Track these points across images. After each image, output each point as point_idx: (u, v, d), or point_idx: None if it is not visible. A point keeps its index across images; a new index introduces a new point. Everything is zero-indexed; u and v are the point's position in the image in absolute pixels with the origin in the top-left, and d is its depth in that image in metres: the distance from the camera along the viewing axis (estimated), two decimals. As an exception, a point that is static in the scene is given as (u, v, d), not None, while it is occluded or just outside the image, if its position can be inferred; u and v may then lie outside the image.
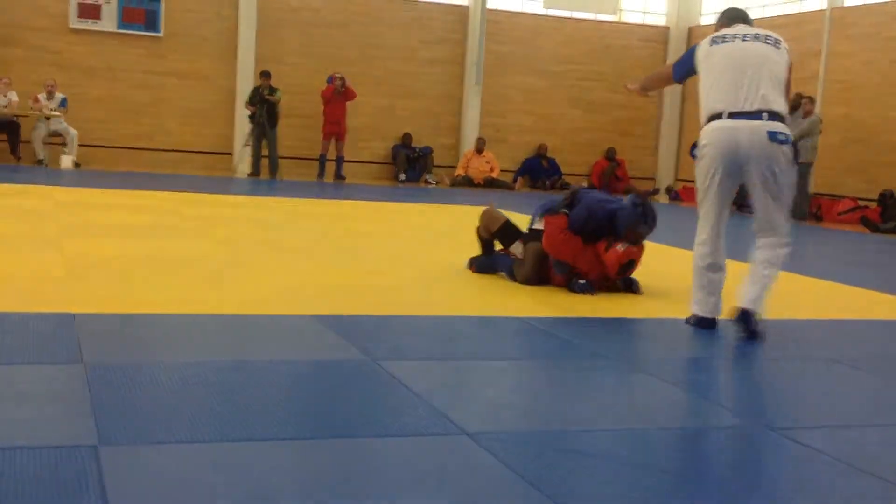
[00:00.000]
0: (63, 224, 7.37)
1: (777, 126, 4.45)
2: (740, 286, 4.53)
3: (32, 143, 15.12)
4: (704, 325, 4.71)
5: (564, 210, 5.79)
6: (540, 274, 5.82)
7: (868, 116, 15.00)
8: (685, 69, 4.85)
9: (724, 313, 4.66)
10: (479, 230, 6.27)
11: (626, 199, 5.76)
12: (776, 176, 4.48)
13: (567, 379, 3.78)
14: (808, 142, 13.93)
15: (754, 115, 4.44)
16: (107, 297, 4.66)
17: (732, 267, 4.88)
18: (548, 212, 5.91)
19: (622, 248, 5.58)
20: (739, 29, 4.70)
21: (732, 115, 4.47)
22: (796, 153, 4.58)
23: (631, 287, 5.74)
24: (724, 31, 4.73)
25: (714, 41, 4.68)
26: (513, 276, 5.93)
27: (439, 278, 5.99)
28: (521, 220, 6.26)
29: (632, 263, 5.67)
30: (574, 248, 5.64)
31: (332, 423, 2.94)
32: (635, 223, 5.61)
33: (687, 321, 4.75)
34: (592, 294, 5.57)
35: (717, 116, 4.53)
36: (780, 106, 4.51)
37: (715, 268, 4.70)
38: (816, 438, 3.05)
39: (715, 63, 4.61)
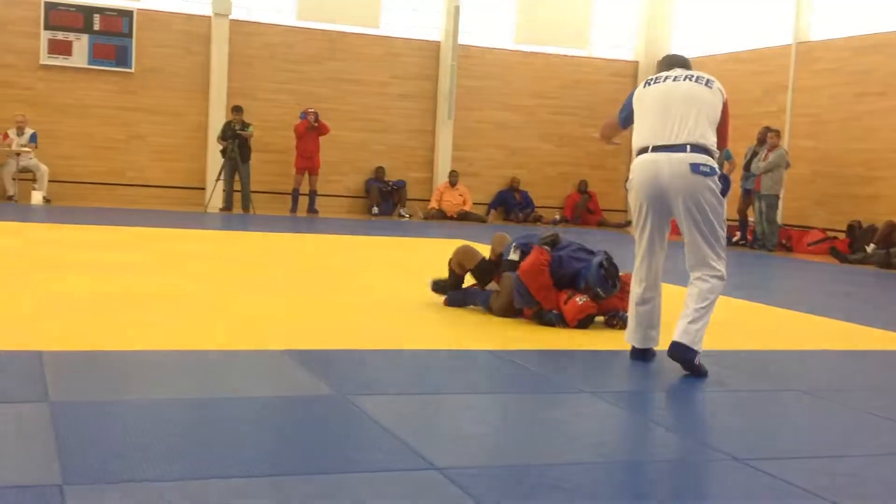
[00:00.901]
0: (32, 261, 7.31)
1: (700, 158, 4.45)
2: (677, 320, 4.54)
3: (2, 179, 15.03)
4: (634, 355, 4.77)
5: (547, 247, 5.81)
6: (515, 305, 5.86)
7: (835, 149, 15.23)
8: (626, 113, 4.87)
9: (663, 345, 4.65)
10: (451, 263, 6.29)
11: (595, 258, 5.79)
12: (701, 209, 4.46)
13: (537, 412, 3.78)
14: (776, 174, 14.12)
15: (678, 147, 4.46)
16: (75, 334, 4.62)
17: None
18: (525, 245, 5.95)
19: (581, 302, 5.63)
20: (674, 72, 4.73)
21: (656, 149, 4.51)
22: (726, 186, 4.54)
23: (612, 323, 5.76)
24: (659, 75, 4.77)
25: (647, 83, 4.75)
26: (488, 308, 5.95)
27: (411, 312, 5.99)
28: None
29: (590, 317, 5.71)
30: (544, 285, 5.67)
31: (301, 459, 2.92)
32: (595, 284, 5.65)
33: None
34: (564, 327, 5.59)
35: (644, 151, 4.58)
36: (708, 140, 4.51)
37: (643, 301, 4.73)
38: (784, 469, 3.07)
39: (645, 102, 4.68)
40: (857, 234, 13.80)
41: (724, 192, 4.54)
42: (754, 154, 14.81)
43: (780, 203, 14.68)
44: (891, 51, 14.39)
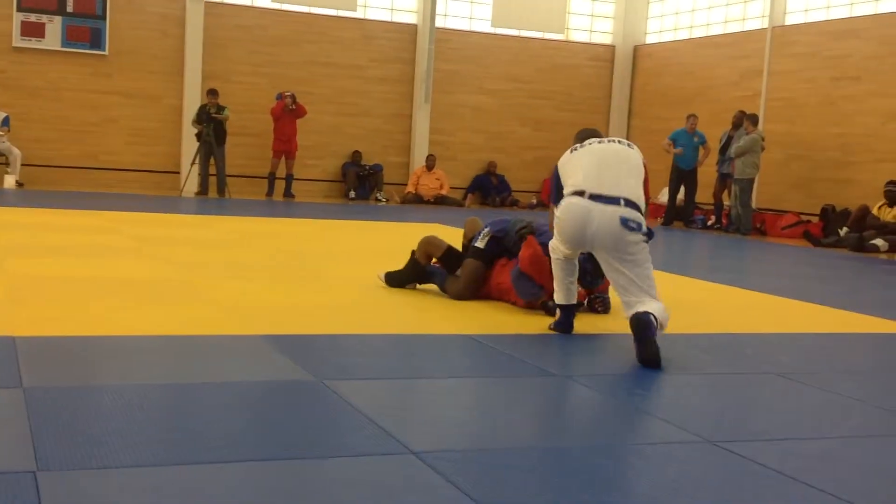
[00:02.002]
0: (4, 245, 7.24)
1: (631, 213, 4.54)
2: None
3: (-26, 163, 14.87)
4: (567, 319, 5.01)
5: (525, 231, 5.75)
6: (473, 291, 5.85)
7: (809, 133, 15.33)
8: (559, 188, 4.87)
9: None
10: (416, 253, 6.23)
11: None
12: (625, 261, 4.53)
13: (513, 396, 3.80)
14: (749, 158, 14.20)
15: (612, 199, 4.56)
16: (48, 319, 4.59)
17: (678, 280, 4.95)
18: (499, 232, 5.93)
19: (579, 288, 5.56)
20: (597, 139, 4.90)
21: (592, 196, 4.58)
22: (650, 237, 4.60)
23: (594, 307, 5.75)
24: (586, 142, 4.88)
25: (573, 149, 4.86)
26: (444, 290, 5.97)
27: (387, 297, 5.99)
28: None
29: (580, 304, 5.63)
30: (547, 272, 5.59)
31: (278, 444, 2.92)
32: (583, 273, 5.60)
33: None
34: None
35: (579, 194, 4.63)
36: (639, 198, 4.64)
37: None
38: (757, 451, 3.10)
39: (577, 159, 4.76)
40: (831, 217, 13.92)
41: (648, 239, 4.62)
42: (730, 138, 14.89)
43: (755, 187, 14.77)
44: (867, 35, 14.49)
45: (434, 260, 6.20)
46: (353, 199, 17.01)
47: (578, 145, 4.88)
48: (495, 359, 4.44)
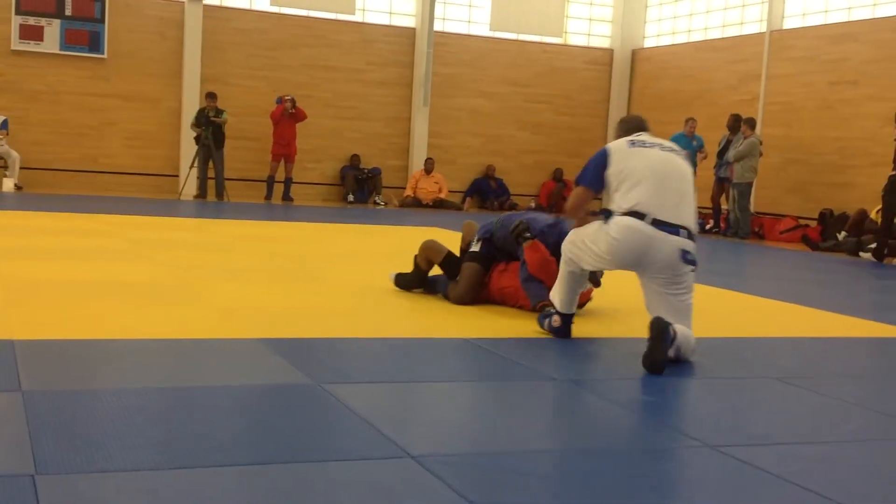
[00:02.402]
0: (3, 248, 7.24)
1: (690, 245, 4.45)
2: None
3: (-28, 166, 14.87)
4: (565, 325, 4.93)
5: (528, 235, 5.74)
6: (473, 294, 5.84)
7: (807, 137, 15.35)
8: (598, 172, 4.63)
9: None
10: (418, 258, 6.23)
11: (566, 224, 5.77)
12: (674, 287, 4.46)
13: (512, 399, 3.80)
14: (748, 163, 14.22)
15: (674, 229, 4.42)
16: (47, 322, 4.58)
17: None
18: (485, 234, 5.94)
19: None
20: (647, 137, 4.68)
21: (656, 223, 4.40)
22: (696, 265, 4.54)
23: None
24: (636, 137, 4.67)
25: (632, 143, 4.62)
26: (445, 296, 5.96)
27: (386, 301, 5.99)
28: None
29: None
30: (555, 274, 5.57)
31: (276, 448, 2.92)
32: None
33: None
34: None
35: (639, 216, 4.42)
36: (695, 226, 4.54)
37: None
38: (756, 455, 3.10)
39: (635, 161, 4.53)
40: (829, 221, 13.93)
41: (693, 267, 4.55)
42: (728, 142, 14.90)
43: (753, 191, 14.78)
44: (865, 39, 14.51)
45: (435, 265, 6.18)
46: (351, 202, 17.01)
47: (638, 141, 4.62)
48: (494, 362, 4.44)
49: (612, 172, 4.58)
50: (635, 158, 4.55)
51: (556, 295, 4.92)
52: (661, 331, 4.24)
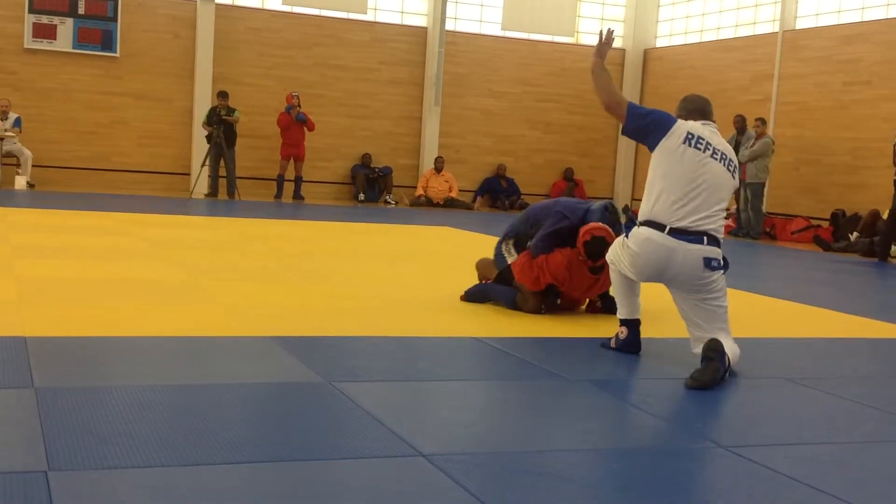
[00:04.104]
0: (15, 245, 7.27)
1: (714, 251, 4.27)
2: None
3: (-15, 164, 14.93)
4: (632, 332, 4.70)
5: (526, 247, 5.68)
6: (541, 299, 5.64)
7: (820, 137, 15.28)
8: (645, 124, 4.44)
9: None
10: (478, 276, 6.14)
11: (596, 203, 5.74)
12: (705, 294, 4.31)
13: (524, 399, 3.79)
14: (761, 162, 14.18)
15: (696, 237, 4.24)
16: (60, 320, 4.60)
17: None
18: (512, 233, 5.90)
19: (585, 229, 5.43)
20: (707, 133, 4.38)
21: (673, 232, 4.25)
22: (727, 268, 4.40)
23: (612, 308, 5.66)
24: (698, 129, 4.37)
25: (689, 140, 4.32)
26: (516, 308, 5.67)
27: (397, 299, 5.99)
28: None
29: (602, 242, 5.30)
30: (555, 267, 5.54)
31: (287, 445, 2.92)
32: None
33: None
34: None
35: (658, 226, 4.28)
36: (721, 230, 4.35)
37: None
38: (768, 456, 3.09)
39: (676, 165, 4.30)
40: (841, 222, 13.87)
41: (725, 269, 4.39)
42: (738, 143, 14.86)
43: (765, 191, 14.73)
44: (878, 39, 14.44)
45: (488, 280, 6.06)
46: (362, 201, 17.02)
47: (697, 140, 4.31)
48: (505, 362, 4.44)
49: (658, 152, 4.34)
50: (680, 158, 4.30)
51: (617, 302, 4.71)
52: (719, 355, 4.11)
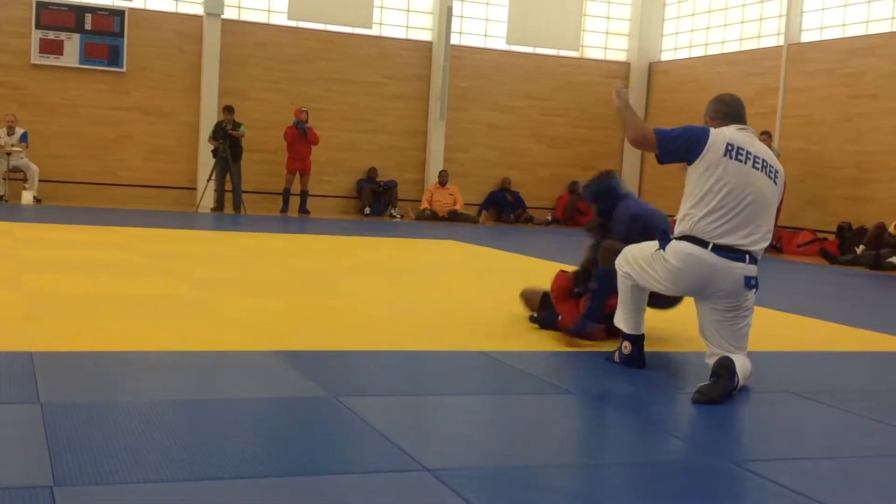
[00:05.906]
0: (22, 261, 7.29)
1: (753, 270, 4.22)
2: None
3: (-8, 179, 14.99)
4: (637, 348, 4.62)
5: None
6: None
7: (826, 150, 15.28)
8: (678, 146, 4.27)
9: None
10: (525, 306, 5.91)
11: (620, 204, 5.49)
12: (736, 310, 4.26)
13: (529, 413, 3.79)
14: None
15: (739, 255, 4.17)
16: (66, 335, 4.61)
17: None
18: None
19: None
20: (747, 141, 4.26)
21: (717, 249, 4.16)
22: (757, 286, 4.33)
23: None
24: (737, 138, 4.24)
25: (730, 152, 4.18)
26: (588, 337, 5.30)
27: (402, 313, 5.99)
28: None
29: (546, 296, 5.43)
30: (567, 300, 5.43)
31: (292, 460, 2.92)
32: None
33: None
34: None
35: (700, 242, 4.19)
36: (762, 248, 4.27)
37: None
38: (773, 470, 3.08)
39: (718, 180, 4.17)
40: (847, 235, 13.84)
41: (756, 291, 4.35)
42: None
43: (771, 204, 14.70)
44: (882, 52, 14.45)
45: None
46: (367, 215, 17.04)
47: (738, 151, 4.18)
48: (510, 376, 4.43)
49: (697, 165, 4.22)
50: (727, 178, 4.16)
51: (620, 315, 4.59)
52: (730, 372, 4.06)
